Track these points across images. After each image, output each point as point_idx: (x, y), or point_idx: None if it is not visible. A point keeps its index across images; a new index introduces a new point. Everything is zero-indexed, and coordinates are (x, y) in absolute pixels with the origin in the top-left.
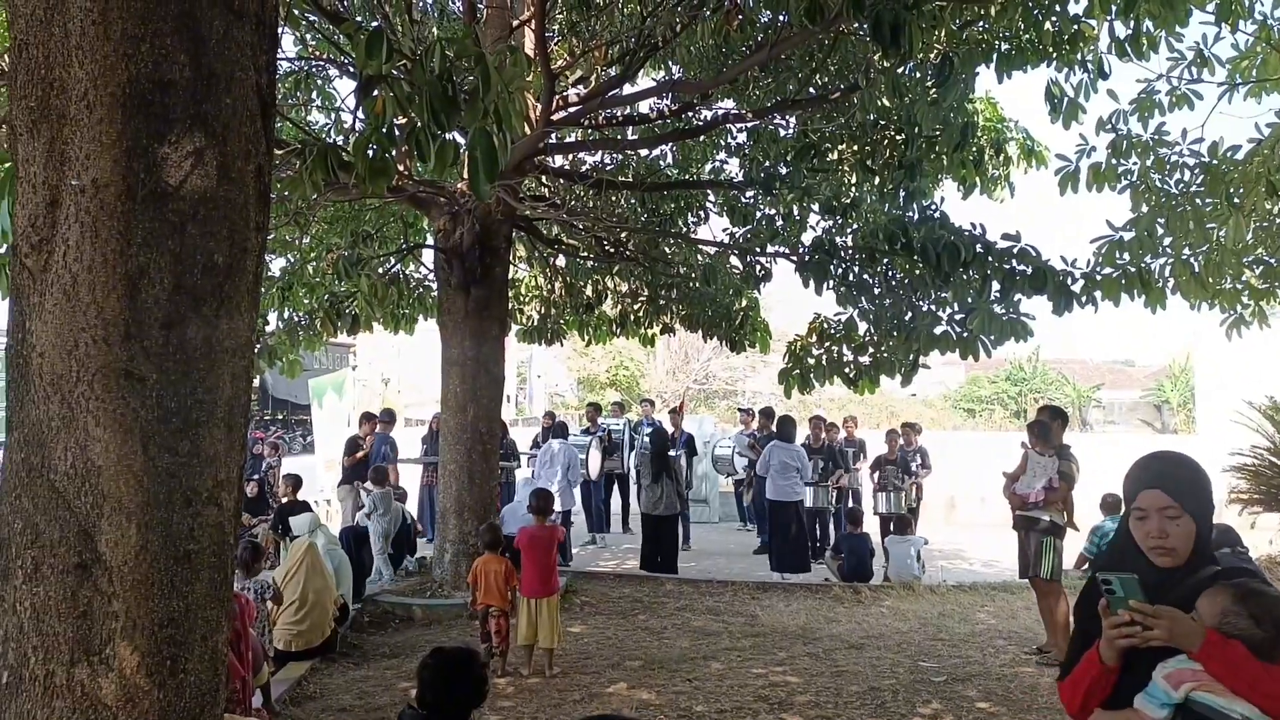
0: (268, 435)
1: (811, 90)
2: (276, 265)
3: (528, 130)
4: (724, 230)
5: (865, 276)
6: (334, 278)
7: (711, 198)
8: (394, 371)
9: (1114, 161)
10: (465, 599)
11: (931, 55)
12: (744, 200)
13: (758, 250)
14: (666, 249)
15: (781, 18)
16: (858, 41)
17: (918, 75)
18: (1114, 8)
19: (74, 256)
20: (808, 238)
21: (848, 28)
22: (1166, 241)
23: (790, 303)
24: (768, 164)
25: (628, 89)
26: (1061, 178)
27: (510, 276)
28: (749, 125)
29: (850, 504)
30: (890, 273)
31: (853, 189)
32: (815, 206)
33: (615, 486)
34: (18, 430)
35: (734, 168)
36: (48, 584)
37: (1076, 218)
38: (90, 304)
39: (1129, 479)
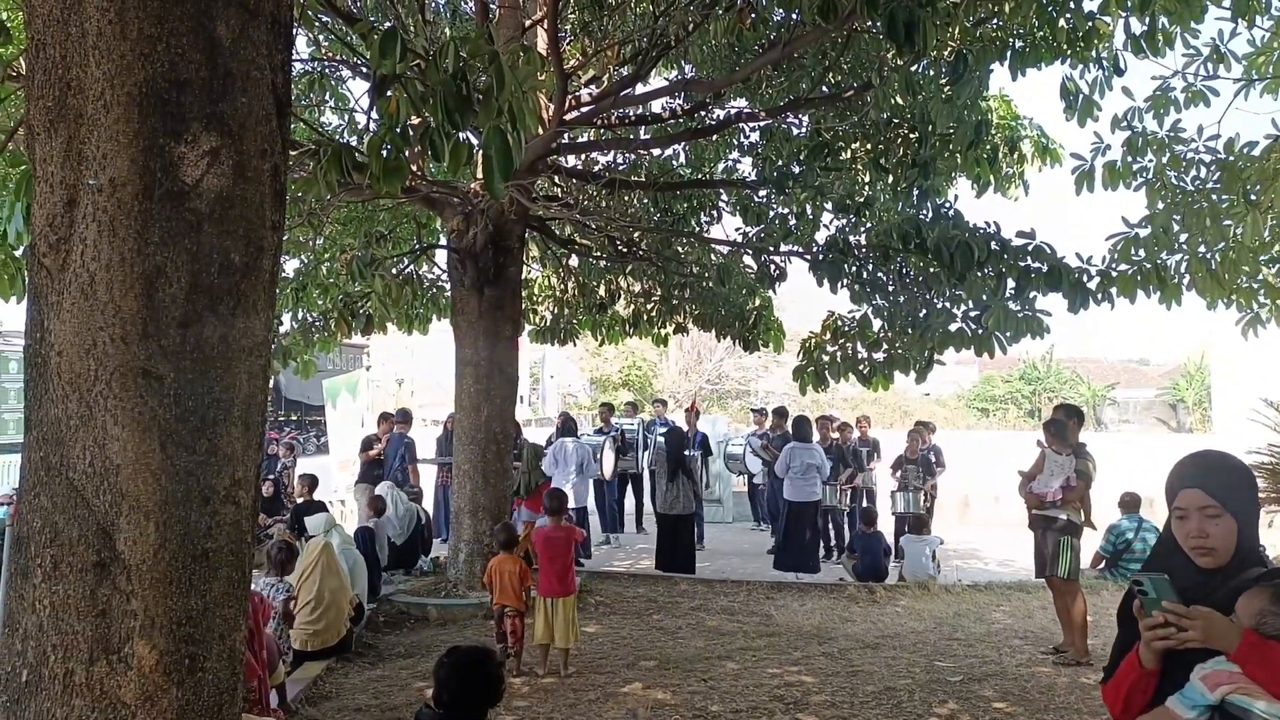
0: (282, 436)
1: (825, 89)
2: (291, 266)
3: (541, 130)
4: (737, 229)
5: (879, 275)
6: (348, 278)
7: (724, 197)
8: (408, 372)
9: (1129, 159)
10: (480, 598)
11: (945, 53)
12: (757, 199)
13: (771, 249)
14: (679, 248)
15: (794, 16)
16: (871, 39)
17: (931, 73)
18: (1129, 4)
19: (91, 255)
20: (821, 236)
21: (861, 25)
22: (1183, 239)
23: (804, 301)
24: (781, 163)
25: (640, 88)
26: (1077, 176)
27: (523, 277)
28: (762, 124)
29: (865, 504)
30: (904, 270)
31: (866, 188)
32: (829, 205)
33: (629, 486)
34: (36, 429)
35: (747, 167)
36: (67, 582)
37: (1091, 215)
38: (108, 303)
39: (1170, 479)
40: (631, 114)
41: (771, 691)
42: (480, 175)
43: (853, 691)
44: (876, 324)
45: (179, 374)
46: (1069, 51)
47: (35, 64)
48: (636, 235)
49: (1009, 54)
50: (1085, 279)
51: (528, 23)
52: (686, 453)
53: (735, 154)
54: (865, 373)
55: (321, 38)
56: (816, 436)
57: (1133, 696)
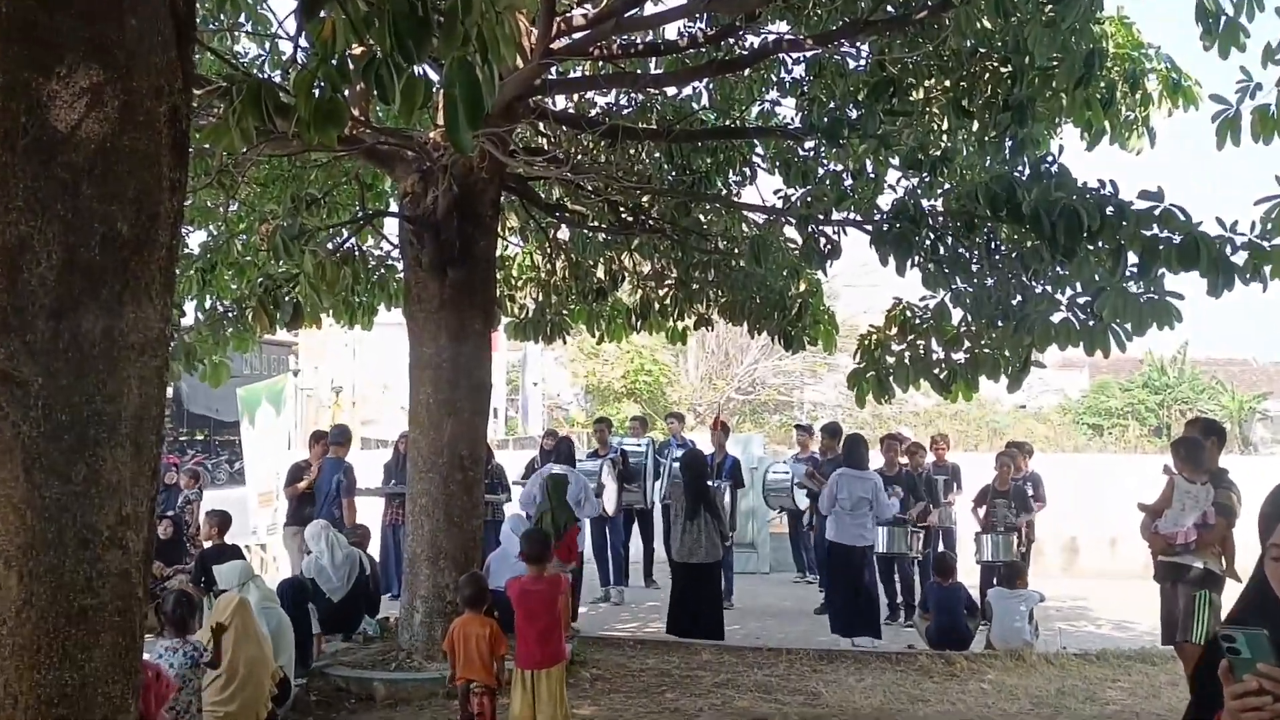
0: (185, 461)
1: (890, 7)
2: (196, 240)
3: (520, 62)
4: (776, 192)
5: (961, 250)
6: (269, 256)
7: (760, 150)
8: (347, 378)
9: None
10: (440, 671)
11: None
12: (802, 153)
13: (820, 217)
14: (701, 217)
15: None
16: None
17: None
18: None
19: None
20: (886, 201)
21: None
22: None
23: (862, 286)
24: (833, 105)
25: (651, 7)
26: (1219, 124)
27: (499, 254)
28: (809, 54)
29: (940, 548)
30: (993, 245)
31: (944, 137)
32: (895, 160)
33: (635, 525)
34: None
35: (789, 110)
36: None
37: (1237, 173)
38: None
39: (1265, 511)
40: (639, 41)
41: None
42: (441, 121)
43: None
44: (957, 314)
45: (49, 379)
46: None
47: None
48: (645, 199)
49: None
50: (1230, 253)
51: None
52: (710, 483)
53: (774, 94)
54: (942, 378)
55: None
56: (879, 462)
57: None
